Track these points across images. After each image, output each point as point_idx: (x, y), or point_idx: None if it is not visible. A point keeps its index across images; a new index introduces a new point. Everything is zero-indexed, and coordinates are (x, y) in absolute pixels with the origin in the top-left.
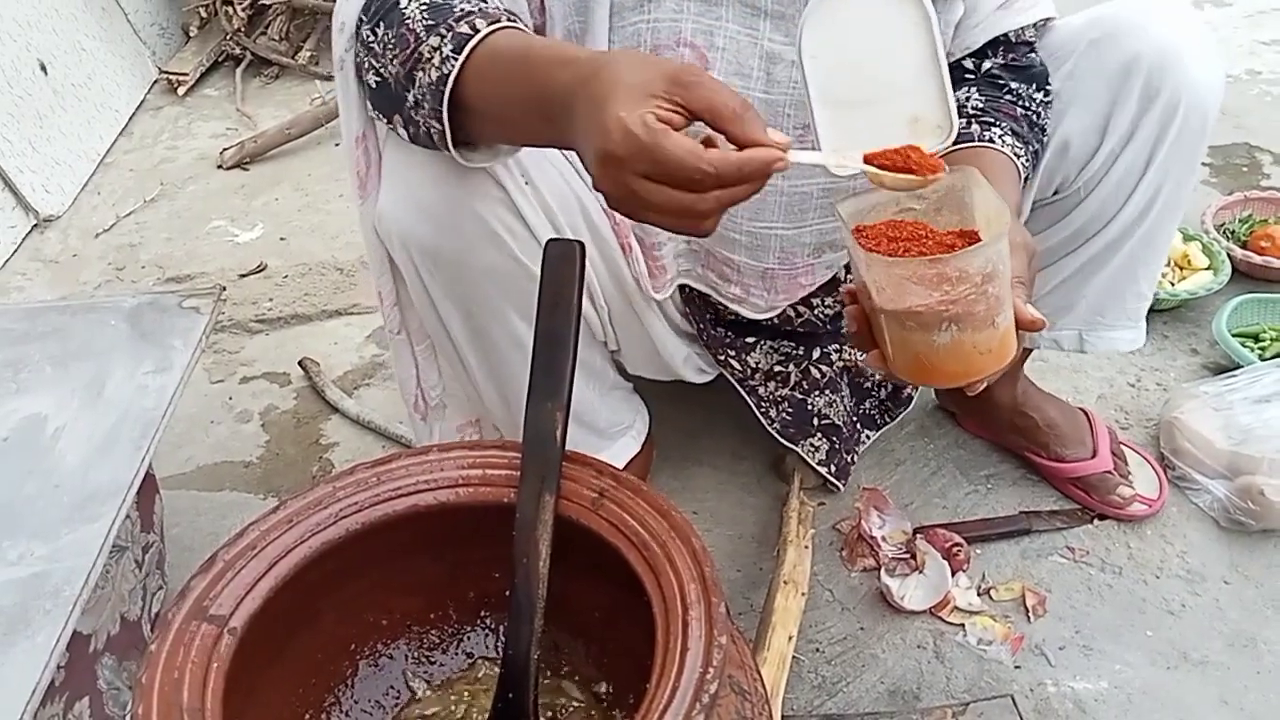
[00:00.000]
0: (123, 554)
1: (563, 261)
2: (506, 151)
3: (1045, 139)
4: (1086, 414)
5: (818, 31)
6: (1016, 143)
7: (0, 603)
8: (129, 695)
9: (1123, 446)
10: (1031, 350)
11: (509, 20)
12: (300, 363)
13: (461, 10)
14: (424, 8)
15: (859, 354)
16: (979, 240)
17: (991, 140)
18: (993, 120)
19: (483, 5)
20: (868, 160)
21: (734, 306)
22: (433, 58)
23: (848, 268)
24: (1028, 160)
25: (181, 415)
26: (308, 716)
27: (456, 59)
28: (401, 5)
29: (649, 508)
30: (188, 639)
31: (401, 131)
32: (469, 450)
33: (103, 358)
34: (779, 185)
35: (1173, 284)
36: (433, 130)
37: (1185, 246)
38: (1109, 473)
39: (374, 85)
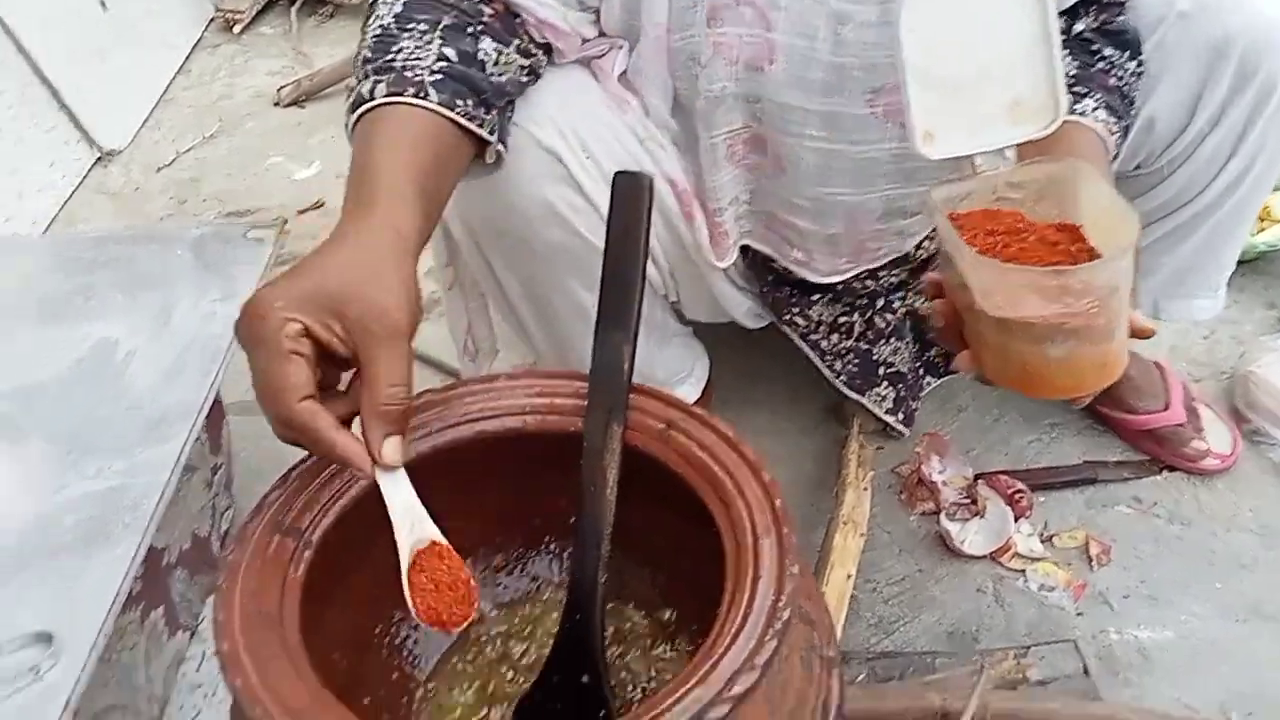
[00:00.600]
0: (193, 474)
1: (632, 195)
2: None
3: (1135, 112)
4: (1159, 366)
5: (920, 3)
6: (1110, 118)
7: (81, 515)
8: (200, 607)
9: (1195, 402)
10: None
11: (420, 89)
12: None
13: (390, 55)
14: (375, 38)
15: (939, 344)
16: (1080, 234)
17: (1084, 113)
18: (1085, 91)
19: (423, 51)
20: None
21: (797, 270)
22: (350, 98)
23: (920, 244)
24: (1120, 137)
25: None
26: (378, 629)
27: (351, 116)
28: (368, 26)
29: (718, 439)
30: (265, 549)
31: None
32: (536, 379)
33: (169, 286)
34: (845, 150)
35: (1251, 235)
36: None
37: None
38: (1182, 425)
39: None
